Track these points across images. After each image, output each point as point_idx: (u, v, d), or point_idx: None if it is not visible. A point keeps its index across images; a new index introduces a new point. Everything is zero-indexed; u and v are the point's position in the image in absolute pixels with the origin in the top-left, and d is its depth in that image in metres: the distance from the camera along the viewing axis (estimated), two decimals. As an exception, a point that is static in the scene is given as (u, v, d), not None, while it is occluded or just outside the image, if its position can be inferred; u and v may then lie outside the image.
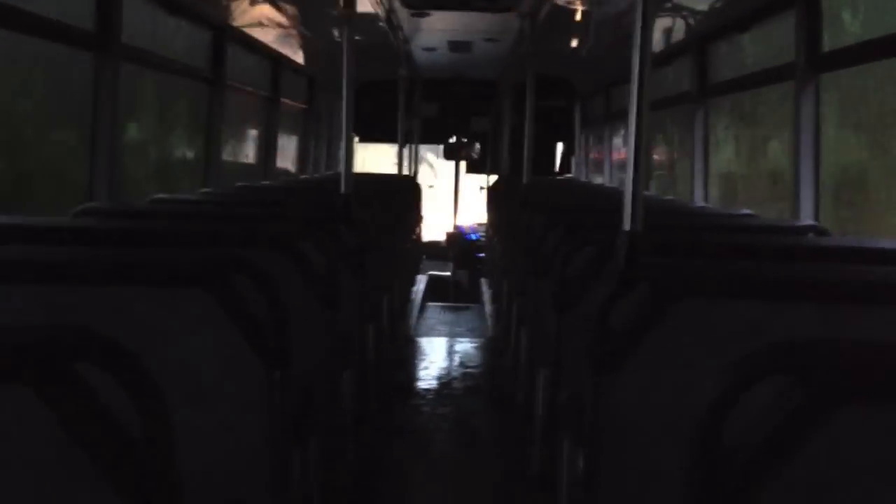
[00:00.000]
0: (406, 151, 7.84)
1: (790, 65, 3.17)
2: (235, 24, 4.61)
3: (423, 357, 4.78)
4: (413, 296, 6.41)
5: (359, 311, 2.67)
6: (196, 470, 1.05)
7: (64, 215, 2.49)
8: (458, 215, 8.62)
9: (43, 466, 0.86)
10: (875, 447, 0.84)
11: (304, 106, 6.80)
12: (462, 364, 4.65)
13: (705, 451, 0.90)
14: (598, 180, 7.55)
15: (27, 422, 0.82)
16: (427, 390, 4.11)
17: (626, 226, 1.77)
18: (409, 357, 4.73)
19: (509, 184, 5.61)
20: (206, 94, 4.39)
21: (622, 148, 6.85)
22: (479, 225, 8.19)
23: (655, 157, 5.88)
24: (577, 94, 8.34)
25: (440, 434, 3.52)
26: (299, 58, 6.18)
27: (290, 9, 4.79)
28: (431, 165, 8.88)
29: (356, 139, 7.52)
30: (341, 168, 2.99)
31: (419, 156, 8.63)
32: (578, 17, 4.84)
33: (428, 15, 5.24)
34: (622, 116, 5.77)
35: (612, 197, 2.13)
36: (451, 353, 4.92)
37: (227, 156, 4.90)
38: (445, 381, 4.28)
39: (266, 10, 4.69)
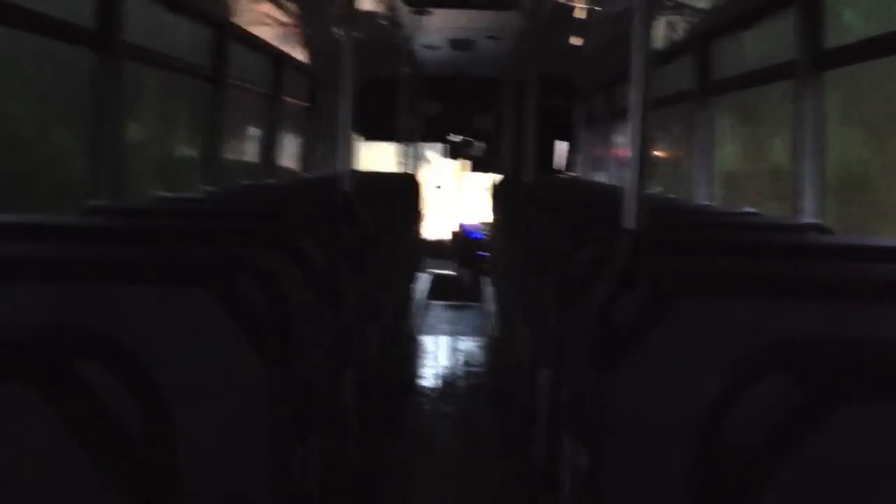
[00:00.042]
0: (408, 150, 7.84)
1: (791, 62, 3.17)
2: (237, 21, 4.61)
3: (425, 355, 4.78)
4: (415, 294, 6.41)
5: (361, 310, 2.67)
6: (197, 468, 1.05)
7: (66, 214, 2.49)
8: (462, 214, 8.62)
9: (44, 464, 0.86)
10: (876, 444, 0.84)
11: (306, 104, 6.80)
12: (464, 362, 4.65)
13: (706, 448, 0.90)
14: (601, 179, 7.54)
15: (28, 419, 0.82)
16: (429, 389, 4.11)
17: (628, 224, 1.77)
18: (411, 355, 4.73)
19: (512, 182, 5.61)
20: (208, 93, 4.39)
21: (624, 146, 6.83)
22: (485, 224, 8.19)
23: (662, 154, 5.87)
24: (580, 93, 8.34)
25: (442, 432, 3.53)
26: (301, 56, 6.18)
27: (291, 6, 4.79)
28: (430, 163, 8.87)
29: (361, 138, 7.53)
30: (340, 166, 2.99)
31: (416, 155, 8.62)
32: (580, 14, 4.84)
33: (429, 13, 5.23)
34: (624, 115, 5.76)
35: (614, 195, 2.12)
36: (453, 351, 4.92)
37: (229, 154, 4.91)
38: (447, 380, 4.28)
39: (267, 8, 4.69)
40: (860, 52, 2.84)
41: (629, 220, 1.77)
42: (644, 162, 1.83)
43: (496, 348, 4.84)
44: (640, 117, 1.80)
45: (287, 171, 6.56)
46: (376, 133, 7.98)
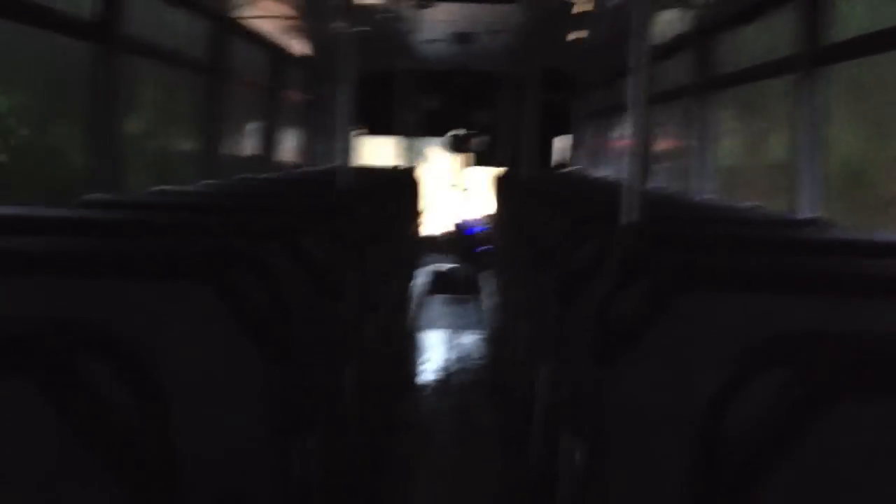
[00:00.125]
0: (409, 144, 7.84)
1: (791, 57, 3.16)
2: (236, 14, 4.59)
3: (425, 350, 4.78)
4: (415, 288, 6.41)
5: (360, 304, 2.66)
6: (196, 462, 1.05)
7: (64, 207, 2.49)
8: (464, 209, 8.61)
9: (42, 459, 0.86)
10: (877, 439, 0.84)
11: (306, 98, 6.79)
12: (463, 357, 4.65)
13: (706, 443, 0.89)
14: (602, 173, 7.54)
15: (26, 413, 0.81)
16: (428, 383, 4.11)
17: (629, 219, 1.76)
18: (410, 350, 4.73)
19: (512, 176, 5.60)
20: (206, 86, 4.38)
21: (625, 140, 6.82)
22: (487, 218, 8.18)
23: (664, 149, 5.86)
24: (580, 87, 8.32)
25: (441, 427, 3.53)
26: (301, 49, 6.16)
27: (291, -1, 4.78)
28: (430, 158, 8.86)
29: (363, 132, 7.51)
30: (339, 160, 2.99)
31: (417, 149, 8.62)
32: (581, 8, 4.83)
33: (430, 6, 5.22)
34: (624, 109, 5.74)
35: (614, 190, 2.12)
36: (452, 346, 4.92)
37: (228, 148, 4.90)
38: (447, 374, 4.28)
39: (267, 0, 4.68)
40: (860, 48, 2.84)
41: (629, 214, 1.77)
42: (644, 156, 1.83)
43: (496, 343, 4.84)
44: (640, 111, 1.80)
45: (287, 164, 6.55)
46: (377, 127, 7.97)
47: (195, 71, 4.32)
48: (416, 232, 6.39)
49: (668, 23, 4.72)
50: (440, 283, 6.91)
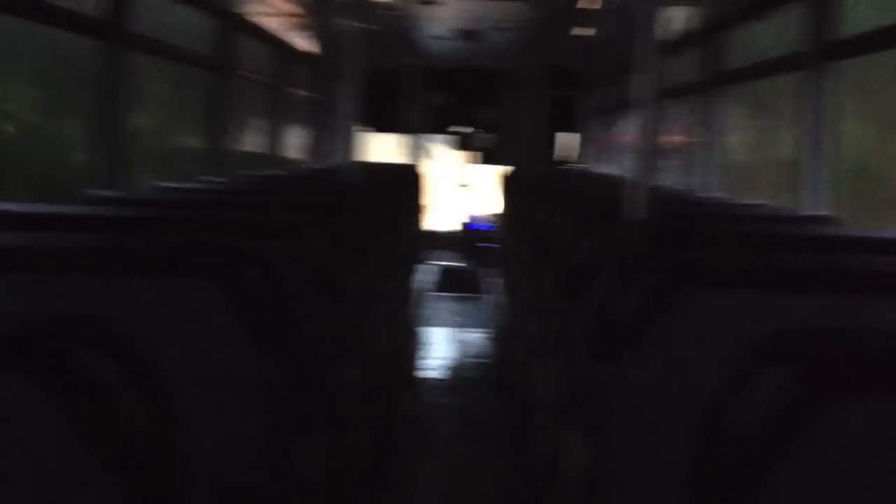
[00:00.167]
0: (414, 141, 7.84)
1: (800, 53, 3.14)
2: (243, 11, 4.59)
3: (429, 347, 4.77)
4: (420, 285, 6.41)
5: (362, 301, 2.66)
6: (198, 459, 1.05)
7: (68, 203, 2.49)
8: (470, 206, 8.60)
9: (45, 454, 0.86)
10: (882, 436, 0.83)
11: (312, 95, 6.79)
12: (468, 354, 4.65)
13: (710, 440, 0.89)
14: (608, 170, 7.52)
15: (28, 409, 0.81)
16: (432, 380, 4.11)
17: (634, 215, 1.75)
18: (414, 347, 4.73)
19: (518, 173, 5.60)
20: (213, 82, 4.38)
21: (631, 137, 6.81)
22: (493, 215, 8.18)
23: (673, 145, 5.84)
24: (587, 83, 8.30)
25: (445, 424, 3.52)
26: (307, 46, 6.16)
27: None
28: (435, 155, 8.86)
29: (369, 129, 7.52)
30: (342, 157, 2.98)
31: (422, 146, 8.61)
32: (587, 4, 4.81)
33: (436, 3, 5.21)
34: (630, 105, 5.73)
35: (620, 186, 2.11)
36: (456, 342, 4.92)
37: (233, 144, 4.90)
38: (451, 371, 4.27)
39: (273, -2, 4.68)
40: (869, 43, 2.82)
41: (635, 211, 1.76)
42: (650, 153, 1.82)
43: (500, 339, 4.83)
44: (646, 108, 1.79)
45: (292, 161, 6.55)
46: (382, 124, 7.97)
47: (202, 68, 4.32)
48: (420, 229, 6.39)
49: (674, 18, 4.71)
50: (444, 281, 6.91)
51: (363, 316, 2.73)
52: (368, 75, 4.19)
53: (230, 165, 4.50)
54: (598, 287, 1.67)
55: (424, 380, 4.12)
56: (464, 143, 8.55)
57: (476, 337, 5.05)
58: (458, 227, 8.36)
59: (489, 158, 8.68)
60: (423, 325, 5.31)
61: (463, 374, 4.24)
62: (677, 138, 5.56)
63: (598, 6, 4.85)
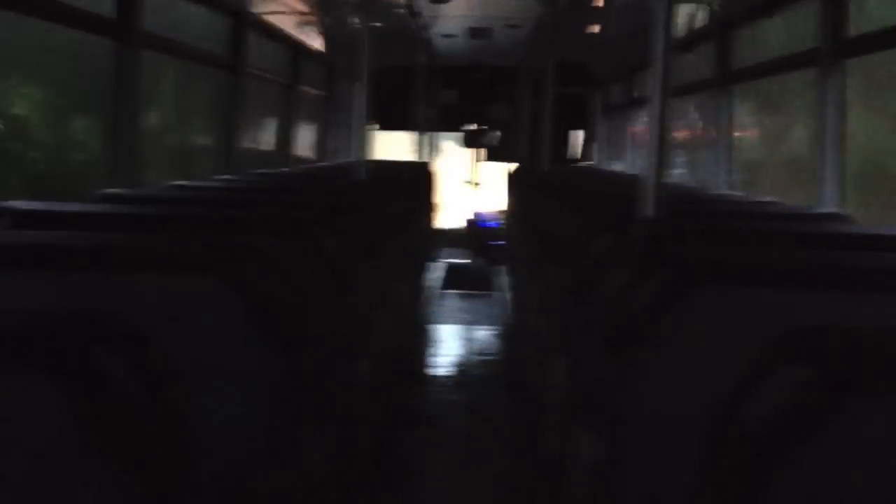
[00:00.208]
0: (424, 139, 7.84)
1: (813, 50, 3.12)
2: (254, 10, 4.61)
3: (439, 344, 4.78)
4: (430, 283, 6.41)
5: (374, 298, 2.66)
6: (207, 455, 1.05)
7: (81, 201, 2.50)
8: (478, 203, 8.60)
9: (54, 450, 0.86)
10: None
11: (323, 93, 6.81)
12: (478, 351, 4.64)
13: (723, 439, 0.88)
14: (619, 167, 7.50)
15: (40, 404, 0.82)
16: (442, 377, 4.11)
17: (646, 212, 1.75)
18: (424, 344, 4.73)
19: (528, 171, 5.59)
20: (224, 81, 4.40)
21: (642, 135, 6.79)
22: (501, 213, 8.16)
23: (685, 142, 5.81)
24: (598, 81, 8.28)
25: (455, 421, 3.52)
26: (318, 45, 6.17)
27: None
28: (445, 152, 8.86)
29: (378, 127, 7.53)
30: (354, 155, 2.99)
31: (432, 144, 8.61)
32: (599, 2, 4.80)
33: (448, 0, 5.21)
34: (643, 103, 5.70)
35: (631, 184, 2.11)
36: (467, 340, 4.92)
37: (245, 143, 4.92)
38: (461, 369, 4.27)
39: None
40: (884, 41, 2.79)
41: (646, 208, 1.75)
42: (662, 150, 1.81)
43: (510, 337, 4.83)
44: (659, 105, 1.78)
45: (303, 159, 6.56)
46: (393, 122, 7.97)
47: (213, 67, 4.34)
48: (430, 226, 6.39)
49: (687, 15, 4.68)
50: (454, 278, 6.91)
51: (374, 313, 2.73)
52: (378, 73, 4.19)
53: (242, 164, 4.52)
54: (610, 284, 1.66)
55: (433, 377, 4.12)
56: (473, 141, 8.54)
57: (485, 334, 5.05)
58: (465, 224, 8.36)
59: (499, 156, 8.66)
60: (434, 322, 5.31)
61: (471, 372, 4.24)
62: (689, 135, 5.53)
63: (610, 3, 4.83)
